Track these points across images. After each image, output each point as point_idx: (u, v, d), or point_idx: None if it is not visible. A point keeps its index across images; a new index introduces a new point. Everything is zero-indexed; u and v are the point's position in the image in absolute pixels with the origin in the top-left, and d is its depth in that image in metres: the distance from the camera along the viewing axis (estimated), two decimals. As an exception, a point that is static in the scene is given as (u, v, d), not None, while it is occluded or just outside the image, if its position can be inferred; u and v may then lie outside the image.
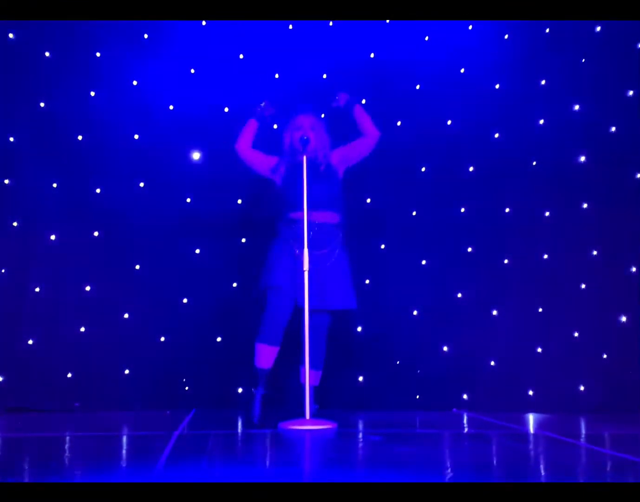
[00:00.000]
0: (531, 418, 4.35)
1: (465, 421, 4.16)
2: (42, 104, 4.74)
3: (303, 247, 3.66)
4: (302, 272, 3.65)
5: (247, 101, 4.87)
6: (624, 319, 4.84)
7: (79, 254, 4.71)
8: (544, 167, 4.96)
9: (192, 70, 4.91)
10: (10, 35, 4.72)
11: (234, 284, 4.83)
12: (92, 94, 4.79)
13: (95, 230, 4.75)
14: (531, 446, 3.17)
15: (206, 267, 4.81)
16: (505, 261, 4.92)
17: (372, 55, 5.00)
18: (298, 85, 4.93)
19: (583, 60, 4.99)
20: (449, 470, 2.51)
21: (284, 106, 4.66)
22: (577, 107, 5.00)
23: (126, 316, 4.72)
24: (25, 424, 3.84)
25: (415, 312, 4.86)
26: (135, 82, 4.84)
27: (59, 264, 4.68)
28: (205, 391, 4.65)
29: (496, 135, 5.00)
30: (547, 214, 4.96)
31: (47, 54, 4.76)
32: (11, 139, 4.72)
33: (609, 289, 4.88)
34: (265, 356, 3.79)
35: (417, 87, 5.01)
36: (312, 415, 3.64)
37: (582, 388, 4.76)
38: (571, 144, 4.98)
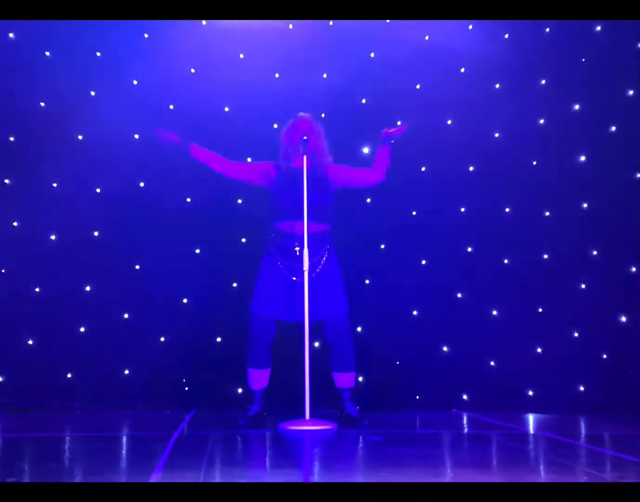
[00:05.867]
0: (531, 418, 4.35)
1: (465, 421, 4.16)
2: (42, 104, 4.74)
3: (289, 263, 3.76)
4: (292, 290, 3.72)
5: (247, 101, 4.89)
6: (624, 319, 4.84)
7: (79, 254, 4.71)
8: (544, 167, 4.96)
9: (192, 70, 4.90)
10: (11, 35, 4.72)
11: (234, 284, 4.82)
12: (92, 94, 4.79)
13: (95, 231, 4.75)
14: (531, 446, 3.17)
15: (206, 267, 4.81)
16: (505, 261, 4.92)
17: (372, 55, 4.99)
18: (298, 85, 4.92)
19: (583, 60, 4.99)
20: (449, 470, 2.51)
21: (283, 107, 4.67)
22: (577, 107, 5.00)
23: (126, 316, 4.72)
24: (25, 424, 3.84)
25: (415, 312, 4.86)
26: (135, 82, 4.84)
27: (59, 264, 4.68)
28: (205, 391, 4.65)
29: (496, 135, 5.00)
30: (547, 214, 4.96)
31: (47, 54, 4.76)
32: (11, 139, 4.72)
33: (609, 289, 4.88)
34: (257, 378, 3.86)
35: (417, 87, 5.01)
36: (355, 415, 3.73)
37: (582, 388, 4.77)
38: (571, 144, 4.99)
